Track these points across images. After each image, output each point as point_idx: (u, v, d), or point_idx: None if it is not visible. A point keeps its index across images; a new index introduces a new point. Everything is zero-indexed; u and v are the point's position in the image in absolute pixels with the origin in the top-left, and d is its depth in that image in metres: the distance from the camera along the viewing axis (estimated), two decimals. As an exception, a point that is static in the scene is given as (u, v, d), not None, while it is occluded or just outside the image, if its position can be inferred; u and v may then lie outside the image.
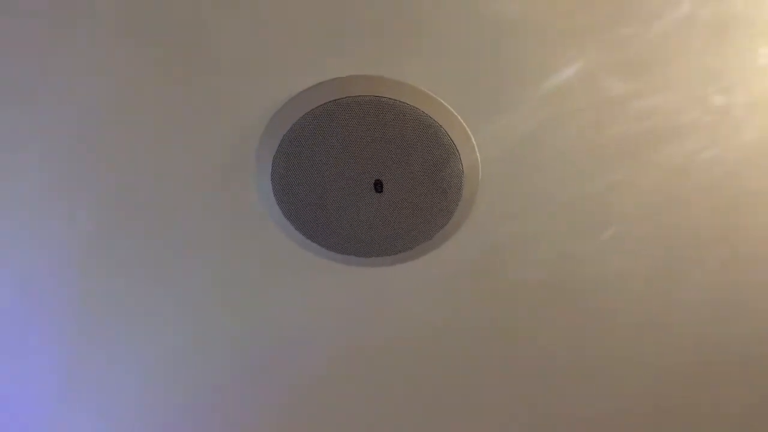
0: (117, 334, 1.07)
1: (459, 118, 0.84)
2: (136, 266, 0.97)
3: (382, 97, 0.81)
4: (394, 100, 0.81)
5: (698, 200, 0.93)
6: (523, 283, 1.04)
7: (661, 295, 1.06)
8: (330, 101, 0.80)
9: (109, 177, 0.87)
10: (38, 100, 0.79)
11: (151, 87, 0.79)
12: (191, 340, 1.09)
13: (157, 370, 1.13)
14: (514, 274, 1.02)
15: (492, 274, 1.02)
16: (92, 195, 0.89)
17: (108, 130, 0.83)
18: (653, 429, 1.29)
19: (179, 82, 0.79)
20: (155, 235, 0.94)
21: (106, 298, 1.01)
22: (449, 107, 0.83)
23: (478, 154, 0.88)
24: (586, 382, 1.19)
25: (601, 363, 1.16)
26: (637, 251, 1.00)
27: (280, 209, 0.88)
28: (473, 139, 0.86)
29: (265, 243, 0.95)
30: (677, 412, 1.26)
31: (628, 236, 0.98)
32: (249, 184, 0.89)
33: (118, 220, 0.92)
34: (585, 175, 0.90)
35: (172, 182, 0.88)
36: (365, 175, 0.86)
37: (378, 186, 0.87)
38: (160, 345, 1.09)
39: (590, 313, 1.08)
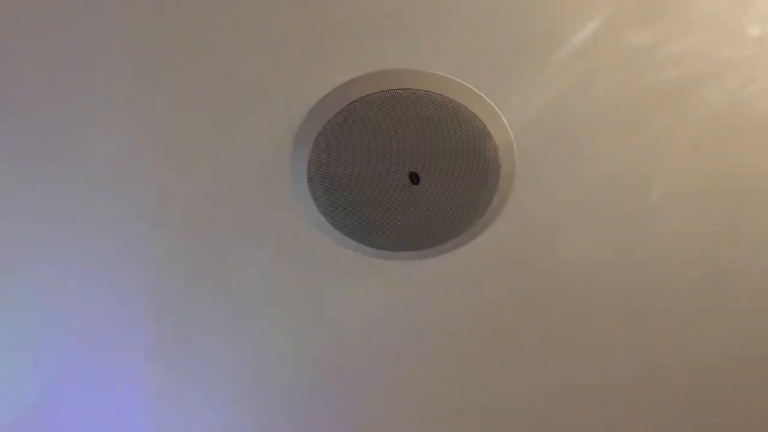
0: (188, 355, 1.13)
1: (483, 96, 0.84)
2: (194, 286, 1.03)
3: (404, 89, 0.82)
4: (415, 90, 0.82)
5: (750, 139, 0.89)
6: (575, 258, 1.01)
7: (727, 250, 1.00)
8: (354, 101, 0.82)
9: (152, 202, 0.93)
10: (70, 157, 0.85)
11: (183, 113, 0.84)
12: (257, 350, 1.13)
13: (228, 387, 1.18)
14: (564, 250, 1.00)
15: (541, 254, 1.00)
16: (147, 223, 0.95)
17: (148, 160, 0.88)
18: (720, 410, 1.22)
19: (210, 94, 0.83)
20: (204, 253, 0.99)
21: (174, 324, 1.07)
22: (472, 87, 0.83)
23: (509, 130, 0.87)
24: (649, 359, 1.15)
25: (665, 335, 1.11)
26: (692, 206, 0.95)
27: (321, 213, 0.90)
28: (502, 116, 0.86)
29: (312, 248, 0.98)
30: (747, 384, 1.19)
31: (680, 191, 0.94)
32: (287, 189, 0.91)
33: (166, 245, 0.97)
34: (622, 134, 0.88)
35: (215, 201, 0.93)
36: (399, 168, 0.87)
37: (414, 178, 0.88)
38: (229, 360, 1.14)
39: (649, 283, 1.04)
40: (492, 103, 0.84)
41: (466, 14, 0.76)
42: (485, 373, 1.18)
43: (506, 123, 0.86)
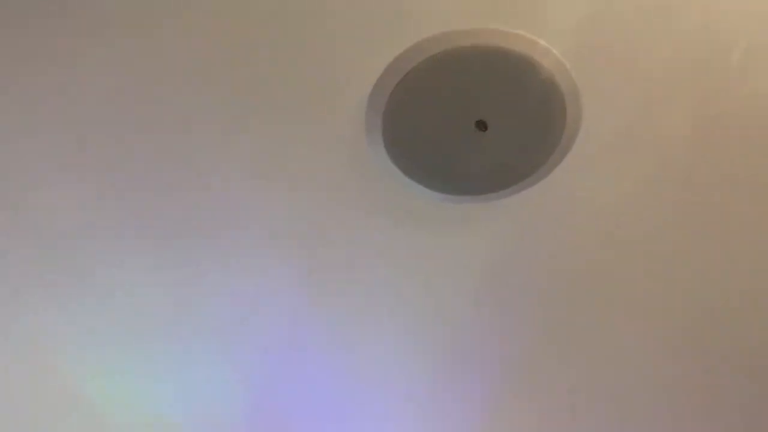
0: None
1: (518, 32, 0.88)
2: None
3: (454, 48, 0.89)
4: (462, 47, 0.89)
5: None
6: (678, 141, 0.99)
7: None
8: (413, 67, 0.91)
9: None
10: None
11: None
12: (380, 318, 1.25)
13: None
14: (661, 140, 0.99)
15: (634, 161, 1.00)
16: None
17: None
18: None
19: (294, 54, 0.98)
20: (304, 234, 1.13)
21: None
22: (502, 28, 0.88)
23: (558, 54, 0.91)
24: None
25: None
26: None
27: (398, 168, 1.00)
28: (544, 43, 0.90)
29: (399, 205, 1.06)
30: None
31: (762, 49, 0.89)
32: (363, 148, 0.99)
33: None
34: (680, 8, 0.86)
35: (302, 172, 1.04)
36: (467, 119, 0.95)
37: (481, 125, 0.96)
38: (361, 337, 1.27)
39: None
40: (530, 35, 0.89)
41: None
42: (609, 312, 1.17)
43: (551, 48, 0.90)
